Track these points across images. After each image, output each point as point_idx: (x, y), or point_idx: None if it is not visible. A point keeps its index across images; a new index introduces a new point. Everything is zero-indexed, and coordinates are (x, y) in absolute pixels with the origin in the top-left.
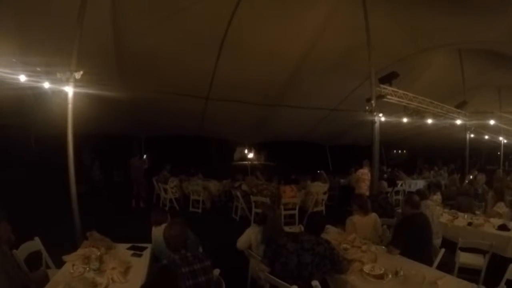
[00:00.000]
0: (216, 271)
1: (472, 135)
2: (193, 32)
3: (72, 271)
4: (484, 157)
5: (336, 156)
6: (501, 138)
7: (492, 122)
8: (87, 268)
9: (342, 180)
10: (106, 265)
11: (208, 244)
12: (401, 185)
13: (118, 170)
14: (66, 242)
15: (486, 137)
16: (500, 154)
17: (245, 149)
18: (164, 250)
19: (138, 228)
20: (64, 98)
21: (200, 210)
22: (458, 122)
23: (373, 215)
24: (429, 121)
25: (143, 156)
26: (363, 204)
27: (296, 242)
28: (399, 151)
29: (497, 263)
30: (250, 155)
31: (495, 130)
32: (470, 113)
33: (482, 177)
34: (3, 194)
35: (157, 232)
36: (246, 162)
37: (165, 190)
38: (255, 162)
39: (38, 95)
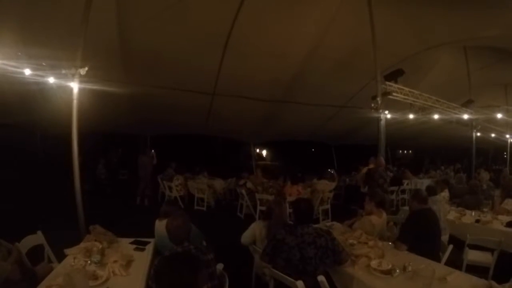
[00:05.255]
0: (220, 265)
1: (478, 134)
2: (198, 30)
3: (73, 263)
4: (491, 157)
5: (342, 156)
6: (508, 136)
7: (499, 115)
8: (89, 261)
9: (347, 179)
10: (107, 258)
11: (212, 241)
12: (407, 184)
13: (123, 168)
14: (70, 237)
15: (493, 135)
16: (506, 155)
17: (251, 149)
18: (166, 243)
19: (142, 225)
20: (69, 94)
21: (205, 208)
22: (465, 116)
23: (384, 214)
24: (435, 116)
25: (151, 151)
26: (382, 201)
27: (295, 236)
28: (405, 151)
29: (505, 261)
30: (256, 155)
31: (501, 125)
32: (476, 108)
33: (485, 174)
34: (9, 190)
35: (160, 225)
36: (252, 162)
37: (170, 188)
38: (261, 162)
39: (43, 92)
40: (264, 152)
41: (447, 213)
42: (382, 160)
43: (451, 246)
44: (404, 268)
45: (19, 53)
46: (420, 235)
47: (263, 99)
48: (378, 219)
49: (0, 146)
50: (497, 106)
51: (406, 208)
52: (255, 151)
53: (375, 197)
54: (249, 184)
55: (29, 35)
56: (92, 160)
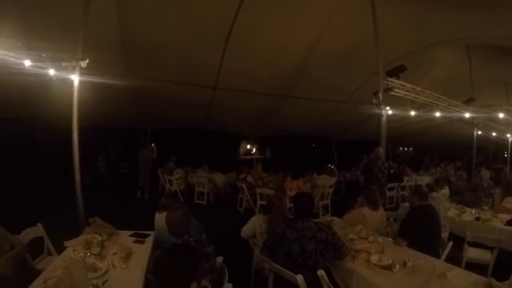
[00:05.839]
0: (220, 258)
1: (479, 132)
2: (200, 23)
3: (73, 256)
4: (491, 156)
5: (343, 151)
6: (508, 135)
7: (501, 115)
8: (88, 253)
9: (348, 175)
10: (107, 251)
11: (212, 235)
12: (407, 180)
13: (123, 162)
14: (70, 230)
15: (494, 134)
16: (507, 154)
17: (250, 143)
18: (166, 236)
19: (141, 218)
20: (69, 87)
21: (205, 202)
22: (467, 115)
23: (381, 210)
24: (437, 114)
25: (152, 144)
26: (371, 198)
27: (295, 230)
28: (405, 148)
29: (505, 259)
30: (256, 149)
31: (502, 124)
32: (477, 106)
33: (486, 172)
34: (10, 183)
35: (160, 218)
36: (252, 157)
37: (170, 182)
38: (260, 157)
39: (44, 85)
40: (265, 147)
41: (447, 210)
42: (380, 151)
43: (450, 243)
44: (404, 264)
45: (19, 44)
46: (420, 231)
47: (264, 93)
48: (370, 212)
49: (1, 139)
50: (499, 105)
51: (406, 204)
52: (255, 145)
53: (367, 192)
54: (249, 178)
55: (30, 27)
56: (92, 153)
